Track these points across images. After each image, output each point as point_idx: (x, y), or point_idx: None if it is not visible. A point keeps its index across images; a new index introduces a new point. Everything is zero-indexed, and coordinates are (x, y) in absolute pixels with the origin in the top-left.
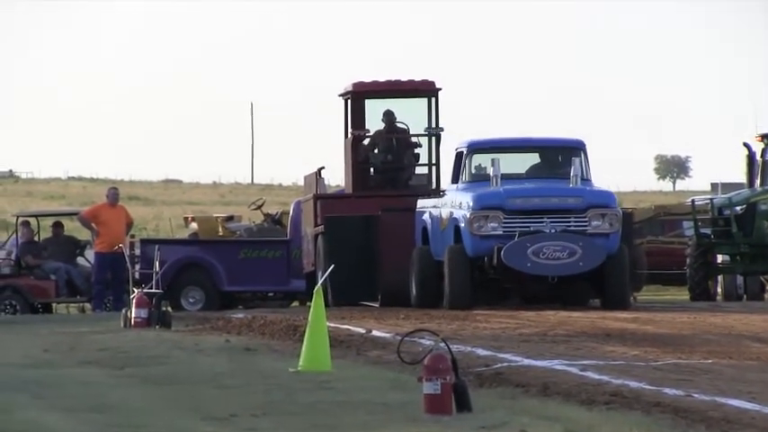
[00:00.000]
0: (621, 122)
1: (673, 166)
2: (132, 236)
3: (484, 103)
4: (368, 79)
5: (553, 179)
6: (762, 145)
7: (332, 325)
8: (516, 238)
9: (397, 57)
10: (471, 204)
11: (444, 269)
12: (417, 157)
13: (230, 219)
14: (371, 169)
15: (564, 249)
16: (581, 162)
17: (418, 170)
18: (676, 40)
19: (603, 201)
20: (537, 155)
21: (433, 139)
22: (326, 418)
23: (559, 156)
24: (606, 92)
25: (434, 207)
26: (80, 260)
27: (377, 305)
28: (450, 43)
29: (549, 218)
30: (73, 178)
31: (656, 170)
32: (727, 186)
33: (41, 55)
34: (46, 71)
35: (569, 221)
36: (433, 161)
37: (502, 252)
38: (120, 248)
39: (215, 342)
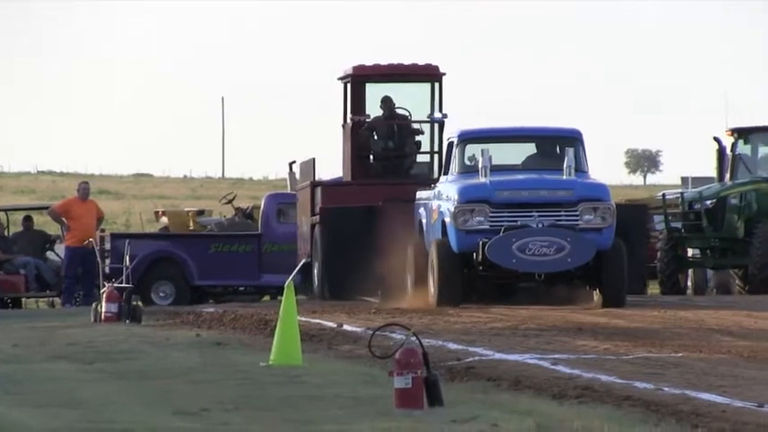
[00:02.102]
0: (593, 115)
1: (643, 161)
2: (102, 230)
3: (491, 90)
4: (352, 65)
5: (547, 171)
6: (732, 139)
7: (303, 319)
8: (501, 233)
9: (379, 45)
10: (456, 197)
11: (430, 265)
12: (419, 144)
13: (201, 213)
14: (371, 157)
15: (551, 245)
16: (575, 153)
17: (420, 158)
18: (647, 34)
19: (596, 194)
20: (533, 145)
21: (436, 126)
22: (298, 412)
23: (556, 146)
24: (578, 85)
25: (429, 199)
26: (50, 254)
27: (377, 301)
28: (456, 27)
29: (537, 212)
30: (43, 172)
31: (627, 164)
32: (698, 180)
33: (7, 49)
34: (12, 65)
35: (560, 215)
36: (436, 149)
37: (486, 248)
38: (91, 243)
39: (186, 336)
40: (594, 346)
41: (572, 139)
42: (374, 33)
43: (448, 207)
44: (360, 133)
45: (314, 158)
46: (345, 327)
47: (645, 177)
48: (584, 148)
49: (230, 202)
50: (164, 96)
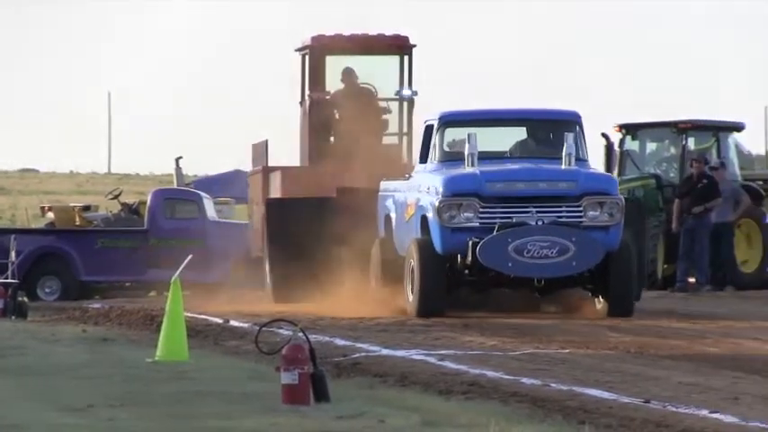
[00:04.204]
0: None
1: None
2: None
3: (467, 64)
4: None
5: (542, 159)
6: (620, 135)
7: (189, 315)
8: (495, 232)
9: (337, 12)
10: (441, 190)
11: (407, 267)
12: (386, 124)
13: (87, 208)
14: (332, 138)
15: (553, 246)
16: (575, 138)
17: (386, 140)
18: (539, 28)
19: (602, 186)
20: (524, 129)
21: (405, 104)
22: (184, 407)
23: (551, 131)
24: (460, 78)
25: (399, 191)
26: None
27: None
28: None
29: (535, 207)
30: None
31: None
32: None
33: None
34: None
35: (560, 211)
36: (404, 130)
37: (477, 249)
38: None
39: (72, 332)
40: (481, 342)
41: (570, 122)
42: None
43: (430, 201)
44: (319, 111)
45: (267, 140)
46: (232, 322)
47: None
48: (583, 134)
49: (116, 197)
50: (49, 91)
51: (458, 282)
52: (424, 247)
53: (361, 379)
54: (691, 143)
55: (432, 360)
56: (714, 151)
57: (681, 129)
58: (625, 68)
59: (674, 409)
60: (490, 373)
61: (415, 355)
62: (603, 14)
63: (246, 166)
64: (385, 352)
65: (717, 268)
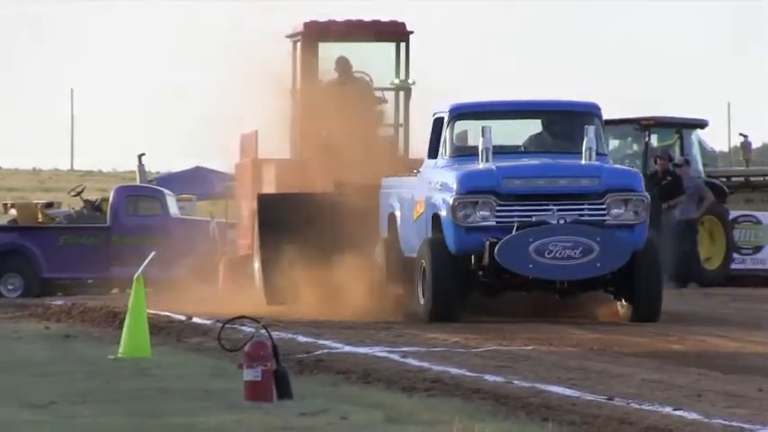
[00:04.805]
0: None
1: None
2: None
3: (469, 52)
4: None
5: (559, 154)
6: None
7: (152, 312)
8: (514, 232)
9: None
10: (455, 186)
11: (417, 269)
12: (381, 115)
13: (50, 205)
14: (324, 130)
15: (576, 246)
16: (596, 132)
17: (383, 131)
18: (531, 24)
19: (626, 183)
20: (539, 122)
21: (402, 94)
22: (147, 405)
23: (569, 124)
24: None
25: (404, 188)
26: None
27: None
28: None
29: (556, 205)
30: None
31: None
32: None
33: None
34: None
35: (582, 209)
36: (401, 121)
37: (496, 249)
38: None
39: (34, 329)
40: (444, 339)
41: (589, 115)
42: None
43: (443, 198)
44: (311, 101)
45: (256, 131)
46: (194, 319)
47: None
48: (603, 127)
49: (79, 194)
50: (11, 87)
51: (471, 284)
52: (437, 247)
53: (323, 376)
54: (654, 140)
55: (395, 357)
56: (677, 148)
57: (644, 125)
58: (587, 65)
59: (637, 407)
60: (453, 370)
61: (378, 351)
62: (565, 11)
63: (207, 162)
64: (348, 349)
65: (680, 265)
